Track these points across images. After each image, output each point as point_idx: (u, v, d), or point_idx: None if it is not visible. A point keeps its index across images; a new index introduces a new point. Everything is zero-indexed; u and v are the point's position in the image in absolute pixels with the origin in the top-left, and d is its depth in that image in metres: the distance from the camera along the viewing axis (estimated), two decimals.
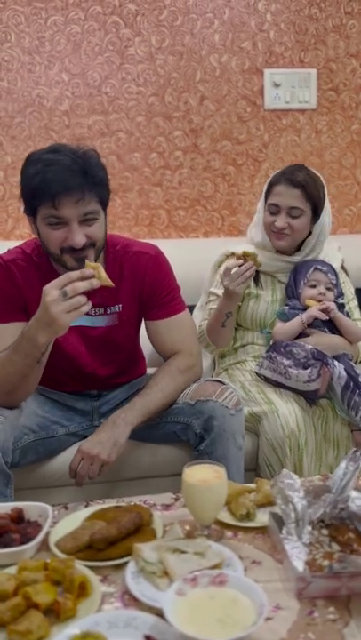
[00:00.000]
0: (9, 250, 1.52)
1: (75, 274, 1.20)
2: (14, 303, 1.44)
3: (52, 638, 0.84)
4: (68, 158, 1.32)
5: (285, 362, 1.65)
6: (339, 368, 1.62)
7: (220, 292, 1.82)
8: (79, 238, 1.33)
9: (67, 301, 1.18)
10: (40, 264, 1.47)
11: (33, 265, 1.47)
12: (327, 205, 1.82)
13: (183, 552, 0.97)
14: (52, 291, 1.19)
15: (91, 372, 1.55)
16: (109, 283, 1.25)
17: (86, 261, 1.27)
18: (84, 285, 1.19)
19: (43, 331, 1.23)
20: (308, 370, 1.61)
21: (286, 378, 1.65)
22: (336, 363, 1.64)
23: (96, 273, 1.22)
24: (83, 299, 1.19)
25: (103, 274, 1.24)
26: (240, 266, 1.69)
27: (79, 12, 2.21)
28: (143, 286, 1.52)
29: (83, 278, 1.19)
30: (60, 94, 2.24)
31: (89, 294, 1.22)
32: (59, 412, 1.54)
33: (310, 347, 1.65)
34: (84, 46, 2.23)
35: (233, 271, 1.69)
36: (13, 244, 1.58)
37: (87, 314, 1.34)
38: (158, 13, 2.25)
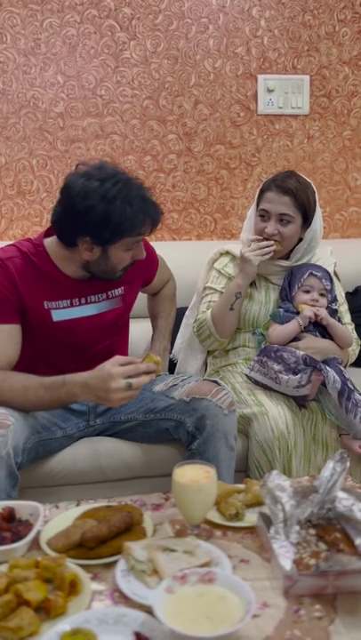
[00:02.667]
0: (2, 248, 1.52)
1: (142, 367, 1.29)
2: (11, 304, 1.44)
3: (43, 635, 0.85)
4: (146, 191, 1.44)
5: (276, 367, 1.67)
6: (332, 373, 1.64)
7: (219, 286, 1.85)
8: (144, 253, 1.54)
9: (127, 392, 1.28)
10: (39, 265, 1.48)
11: (31, 264, 1.48)
12: (318, 212, 1.84)
13: (173, 551, 0.99)
14: (119, 379, 1.27)
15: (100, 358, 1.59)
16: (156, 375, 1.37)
17: (150, 354, 1.36)
18: (146, 380, 1.29)
19: (90, 397, 1.33)
20: (299, 375, 1.63)
21: (276, 383, 1.67)
22: (328, 368, 1.65)
23: (157, 367, 1.33)
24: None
25: (160, 367, 1.35)
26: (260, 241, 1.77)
27: (75, 14, 2.22)
28: (140, 267, 1.61)
29: (147, 372, 1.29)
30: (54, 96, 2.26)
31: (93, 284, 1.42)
32: (56, 412, 1.55)
33: (302, 353, 1.67)
34: (79, 49, 2.25)
35: (253, 243, 1.77)
36: (5, 244, 1.58)
37: (91, 302, 1.50)
38: (153, 18, 2.27)
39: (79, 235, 1.39)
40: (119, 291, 1.57)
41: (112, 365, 1.28)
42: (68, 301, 1.49)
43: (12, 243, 1.54)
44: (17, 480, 1.35)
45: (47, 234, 1.52)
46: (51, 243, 1.49)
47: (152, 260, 1.71)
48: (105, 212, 1.35)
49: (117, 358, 1.30)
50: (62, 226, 1.42)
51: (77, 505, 1.20)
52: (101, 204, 1.34)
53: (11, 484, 1.33)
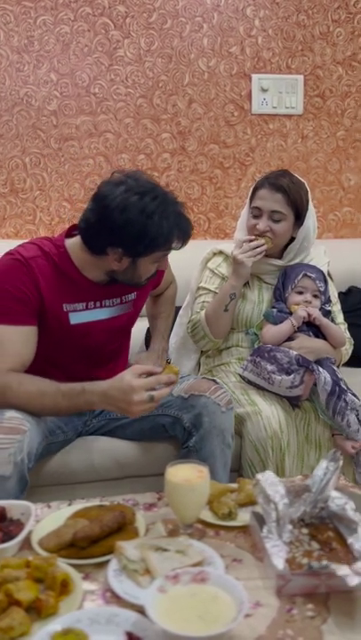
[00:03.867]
0: (22, 246, 1.47)
1: (164, 378, 1.29)
2: (31, 305, 1.42)
3: (34, 635, 0.84)
4: (181, 206, 1.45)
5: (269, 367, 1.67)
6: (324, 374, 1.64)
7: (212, 286, 1.85)
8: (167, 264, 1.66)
9: (148, 404, 1.29)
10: (61, 266, 1.45)
11: (53, 265, 1.45)
12: (311, 211, 1.84)
13: (165, 550, 0.98)
14: (141, 392, 1.27)
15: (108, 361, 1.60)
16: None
17: (170, 365, 1.38)
18: (167, 392, 1.30)
19: (110, 407, 1.34)
20: (292, 376, 1.63)
21: (269, 383, 1.66)
22: (321, 369, 1.66)
23: (176, 378, 1.33)
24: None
25: (178, 377, 1.36)
26: (252, 241, 1.77)
27: (68, 12, 2.21)
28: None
29: (168, 384, 1.30)
30: (48, 94, 2.25)
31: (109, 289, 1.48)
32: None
33: (295, 353, 1.67)
34: (72, 47, 2.24)
35: (244, 243, 1.76)
36: (22, 242, 1.52)
37: (105, 306, 1.51)
38: (148, 16, 2.27)
39: (111, 245, 1.38)
40: (132, 296, 1.57)
41: (132, 376, 1.28)
42: (84, 304, 1.48)
43: (30, 241, 1.50)
44: (26, 484, 1.34)
45: (68, 233, 1.49)
46: (73, 245, 1.46)
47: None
48: (143, 227, 1.34)
49: (136, 368, 1.30)
50: (94, 234, 1.40)
51: (69, 504, 1.20)
52: (140, 219, 1.34)
53: (20, 488, 1.32)
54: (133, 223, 1.34)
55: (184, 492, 1.05)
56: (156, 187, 1.41)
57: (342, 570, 0.92)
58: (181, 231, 1.42)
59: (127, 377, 1.28)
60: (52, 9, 2.20)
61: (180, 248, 1.46)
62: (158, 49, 2.29)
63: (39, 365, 1.43)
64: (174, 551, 0.98)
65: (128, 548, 0.98)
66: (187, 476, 1.06)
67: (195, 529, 1.09)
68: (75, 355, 1.51)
